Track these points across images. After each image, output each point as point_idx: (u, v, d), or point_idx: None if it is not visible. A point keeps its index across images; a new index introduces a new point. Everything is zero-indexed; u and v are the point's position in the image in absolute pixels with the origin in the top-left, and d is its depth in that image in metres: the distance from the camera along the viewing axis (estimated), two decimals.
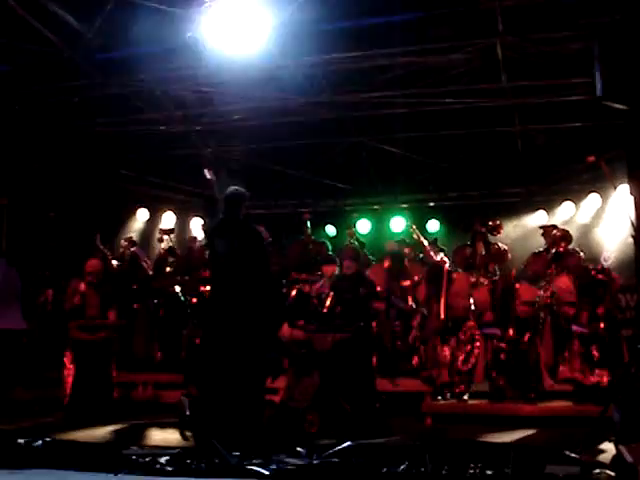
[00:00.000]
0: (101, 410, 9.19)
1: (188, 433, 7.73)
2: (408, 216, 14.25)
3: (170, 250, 12.54)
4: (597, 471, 5.42)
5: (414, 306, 10.60)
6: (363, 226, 14.62)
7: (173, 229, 13.30)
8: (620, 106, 6.83)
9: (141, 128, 12.59)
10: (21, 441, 6.54)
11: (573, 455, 5.90)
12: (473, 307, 9.91)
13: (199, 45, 8.41)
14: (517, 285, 9.79)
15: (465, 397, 9.32)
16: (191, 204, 15.21)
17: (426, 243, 11.14)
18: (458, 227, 13.39)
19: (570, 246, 10.39)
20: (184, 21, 9.14)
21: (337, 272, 9.43)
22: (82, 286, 9.84)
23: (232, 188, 7.78)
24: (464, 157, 13.19)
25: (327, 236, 14.32)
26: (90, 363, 9.48)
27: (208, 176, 8.04)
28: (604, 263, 9.80)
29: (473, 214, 12.91)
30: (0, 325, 9.91)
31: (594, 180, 12.51)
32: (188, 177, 14.44)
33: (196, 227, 15.13)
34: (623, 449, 5.73)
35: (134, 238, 13.09)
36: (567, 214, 13.34)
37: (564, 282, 9.52)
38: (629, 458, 5.46)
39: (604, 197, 12.70)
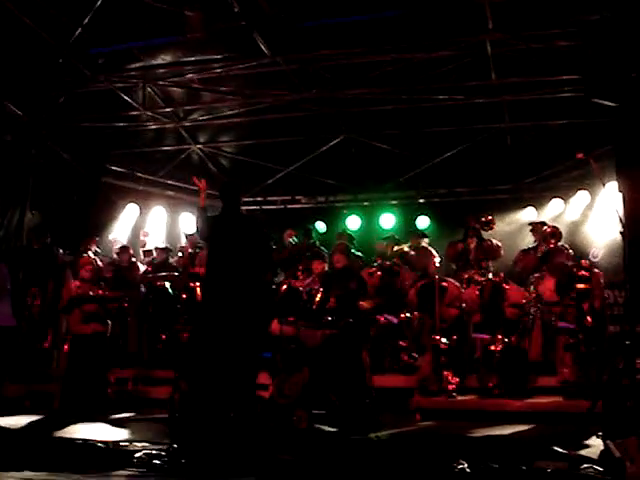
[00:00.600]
0: (94, 405, 9.19)
1: (177, 429, 7.73)
2: (398, 212, 14.27)
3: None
4: (585, 466, 5.44)
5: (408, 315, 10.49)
6: (353, 222, 14.62)
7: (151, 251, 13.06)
8: (608, 103, 6.85)
9: (130, 123, 12.57)
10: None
11: (561, 450, 5.93)
12: (464, 304, 9.95)
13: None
14: (506, 286, 9.81)
15: (454, 393, 9.33)
16: (181, 200, 15.17)
17: (407, 249, 11.19)
18: (448, 223, 13.41)
19: (559, 243, 10.43)
20: (173, 16, 9.18)
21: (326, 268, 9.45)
22: (77, 283, 9.85)
23: (227, 181, 7.78)
24: (453, 153, 13.21)
25: (317, 232, 14.32)
26: (85, 358, 9.48)
27: (198, 184, 8.00)
28: (593, 260, 9.84)
29: (462, 210, 12.94)
30: None
31: (583, 177, 12.54)
32: (178, 173, 14.43)
33: (185, 223, 15.13)
34: (611, 444, 5.77)
35: (122, 240, 13.03)
36: (556, 211, 13.36)
37: (547, 285, 9.56)
38: (617, 453, 5.49)
39: (593, 194, 12.73)
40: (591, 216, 12.51)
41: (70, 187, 12.70)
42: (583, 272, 9.13)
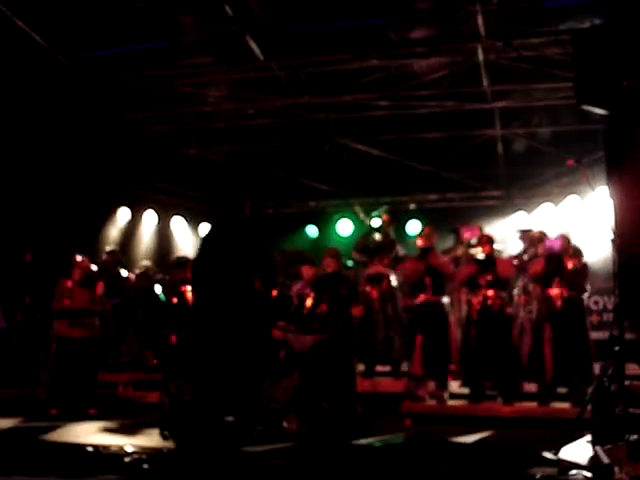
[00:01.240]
0: (84, 409, 9.17)
1: (167, 433, 7.72)
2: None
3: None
4: (574, 472, 5.46)
5: None
6: (344, 227, 14.64)
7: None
8: (599, 110, 6.88)
9: (122, 127, 12.56)
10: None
11: (550, 456, 5.95)
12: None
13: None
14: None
15: (444, 398, 9.35)
16: (173, 204, 15.17)
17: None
18: (439, 229, 13.42)
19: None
20: (166, 20, 9.19)
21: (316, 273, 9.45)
22: (69, 284, 9.81)
23: (231, 189, 7.76)
24: (445, 159, 13.26)
25: (308, 237, 14.35)
26: (75, 362, 9.45)
27: None
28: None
29: (454, 216, 12.98)
30: None
31: (573, 183, 12.61)
32: (170, 176, 14.42)
33: (176, 226, 15.13)
34: (600, 450, 5.79)
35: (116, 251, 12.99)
36: (546, 217, 13.40)
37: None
38: (605, 459, 5.51)
39: (583, 200, 12.79)
40: (581, 222, 12.55)
41: (62, 190, 12.67)
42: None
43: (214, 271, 7.50)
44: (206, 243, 7.78)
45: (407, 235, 13.40)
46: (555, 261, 9.08)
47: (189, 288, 9.42)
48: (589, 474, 5.35)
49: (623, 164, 6.53)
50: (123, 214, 14.45)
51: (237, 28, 9.64)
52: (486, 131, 12.58)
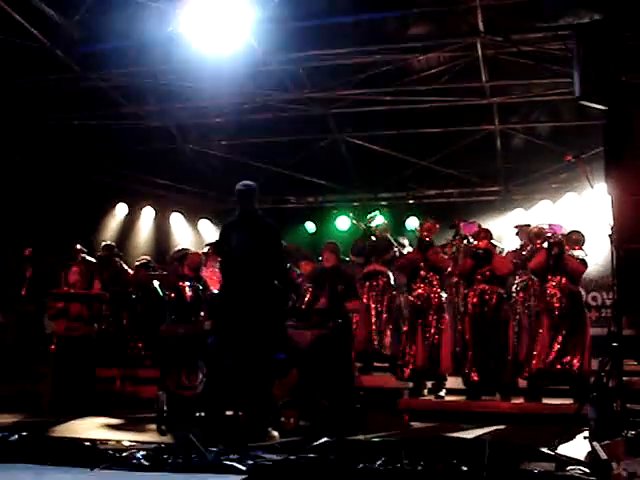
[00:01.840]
0: (82, 404, 9.16)
1: (165, 428, 7.72)
2: (387, 213, 14.27)
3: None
4: (572, 468, 5.45)
5: None
6: (342, 223, 14.63)
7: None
8: (598, 106, 6.88)
9: (120, 122, 12.54)
10: None
11: (548, 452, 5.94)
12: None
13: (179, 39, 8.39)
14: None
15: (442, 394, 9.35)
16: (170, 199, 15.16)
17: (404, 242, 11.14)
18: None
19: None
20: (165, 15, 9.15)
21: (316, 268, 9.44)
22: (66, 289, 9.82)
23: (243, 182, 7.69)
24: (444, 155, 13.24)
25: (306, 232, 14.34)
26: (72, 358, 9.46)
27: None
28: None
29: (452, 211, 12.98)
30: None
31: (572, 179, 12.60)
32: (167, 172, 14.40)
33: (175, 223, 15.12)
34: (597, 446, 5.79)
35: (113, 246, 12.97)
36: (544, 212, 13.40)
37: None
38: (603, 455, 5.51)
39: (581, 196, 12.78)
40: (579, 218, 12.54)
41: (60, 185, 12.65)
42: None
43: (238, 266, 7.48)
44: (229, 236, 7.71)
45: (406, 230, 13.37)
46: (555, 249, 9.03)
47: (187, 283, 9.42)
48: (587, 470, 5.34)
49: (622, 160, 6.53)
50: (121, 210, 14.43)
51: None
52: (485, 126, 12.57)
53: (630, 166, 6.49)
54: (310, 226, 14.77)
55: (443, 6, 9.38)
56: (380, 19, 9.74)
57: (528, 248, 10.04)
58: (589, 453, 5.88)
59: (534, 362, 8.83)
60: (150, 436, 7.42)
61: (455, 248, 10.91)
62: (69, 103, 11.66)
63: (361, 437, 7.28)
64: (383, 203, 14.66)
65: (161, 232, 15.02)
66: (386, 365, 10.38)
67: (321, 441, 6.28)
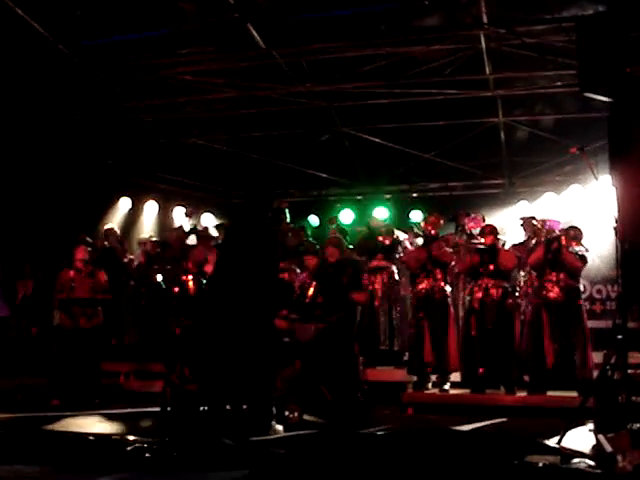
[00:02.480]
0: (87, 399, 9.18)
1: (169, 423, 7.73)
2: (391, 206, 14.26)
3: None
4: (576, 460, 5.45)
5: None
6: (346, 216, 14.61)
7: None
8: (602, 98, 6.85)
9: (124, 116, 12.53)
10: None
11: (553, 445, 5.94)
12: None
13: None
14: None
15: (446, 387, 9.35)
16: (174, 193, 15.15)
17: (403, 237, 11.12)
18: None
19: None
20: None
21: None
22: (71, 273, 9.82)
23: (256, 190, 7.72)
24: (447, 147, 13.21)
25: (310, 226, 14.30)
26: (77, 352, 9.47)
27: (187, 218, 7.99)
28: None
29: (456, 205, 12.95)
30: None
31: (576, 171, 12.58)
32: (171, 166, 14.39)
33: (178, 216, 15.09)
34: (602, 439, 5.78)
35: (115, 228, 12.97)
36: (549, 205, 13.37)
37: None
38: (608, 448, 5.50)
39: (586, 188, 12.75)
40: (584, 211, 12.51)
41: (64, 179, 12.65)
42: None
43: (232, 260, 7.48)
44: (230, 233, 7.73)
45: (410, 223, 13.35)
46: (555, 244, 9.03)
47: (190, 277, 9.42)
48: (592, 462, 5.34)
49: (626, 152, 6.50)
50: (124, 204, 14.42)
51: (238, 15, 9.58)
52: (488, 119, 12.53)
53: (634, 158, 6.46)
54: (314, 220, 14.75)
55: None
56: (382, 11, 9.70)
57: (533, 241, 10.01)
58: (594, 446, 5.88)
59: (537, 356, 8.85)
60: (154, 431, 7.43)
61: (456, 244, 10.88)
62: (71, 97, 11.65)
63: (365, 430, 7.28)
64: (386, 196, 14.64)
65: (164, 226, 14.99)
66: (390, 358, 10.38)
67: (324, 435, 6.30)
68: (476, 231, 10.59)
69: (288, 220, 12.42)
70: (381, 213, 13.79)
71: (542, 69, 10.61)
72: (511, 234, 11.45)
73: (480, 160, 13.73)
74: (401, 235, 11.05)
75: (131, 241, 13.84)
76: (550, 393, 8.85)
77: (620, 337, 6.28)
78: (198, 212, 14.69)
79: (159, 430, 7.50)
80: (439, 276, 9.57)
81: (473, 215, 11.31)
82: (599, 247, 10.11)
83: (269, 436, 6.90)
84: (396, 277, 10.59)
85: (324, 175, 14.65)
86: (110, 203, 14.21)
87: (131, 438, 6.59)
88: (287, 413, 7.74)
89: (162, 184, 14.86)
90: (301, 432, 7.12)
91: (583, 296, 9.40)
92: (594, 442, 6.05)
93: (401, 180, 14.49)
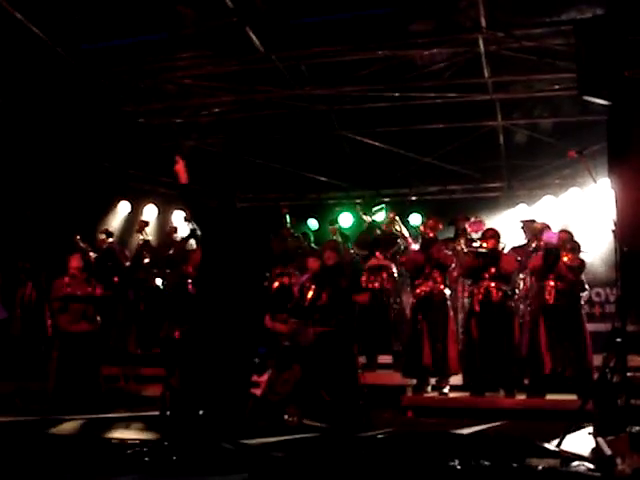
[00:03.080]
0: (87, 403, 9.17)
1: (168, 427, 7.71)
2: (390, 209, 14.25)
3: (145, 244, 12.45)
4: (576, 464, 5.45)
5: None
6: (345, 220, 14.61)
7: (147, 222, 13.11)
8: (601, 101, 6.86)
9: (122, 120, 12.53)
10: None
11: (552, 448, 5.94)
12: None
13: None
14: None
15: (446, 390, 9.35)
16: (173, 197, 15.13)
17: (407, 234, 11.12)
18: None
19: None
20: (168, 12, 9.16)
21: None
22: (66, 280, 9.81)
23: (221, 179, 7.69)
24: (446, 151, 13.22)
25: (309, 229, 14.29)
26: (77, 356, 9.46)
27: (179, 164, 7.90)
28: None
29: (455, 208, 12.95)
30: None
31: (575, 174, 12.59)
32: (170, 169, 14.35)
33: (177, 220, 15.07)
34: (602, 442, 5.78)
35: (113, 231, 12.97)
36: (548, 208, 13.38)
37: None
38: (608, 451, 5.50)
39: (584, 192, 12.75)
40: (583, 214, 12.52)
41: (62, 183, 12.65)
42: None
43: (217, 266, 7.45)
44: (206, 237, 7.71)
45: (410, 227, 13.36)
46: (553, 255, 9.07)
47: (190, 281, 9.42)
48: (591, 465, 5.34)
49: (625, 155, 6.50)
50: (123, 208, 14.41)
51: (237, 19, 9.60)
52: (487, 122, 12.53)
53: (633, 161, 6.46)
54: (312, 223, 14.75)
55: (445, 2, 9.37)
56: (381, 15, 9.71)
57: (533, 244, 10.03)
58: (593, 449, 5.88)
59: (536, 360, 8.86)
60: (154, 435, 7.42)
61: (461, 244, 10.89)
62: (69, 101, 11.64)
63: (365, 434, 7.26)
64: (385, 199, 14.63)
65: (163, 230, 14.98)
66: (390, 362, 10.38)
67: (323, 438, 6.29)
68: (477, 235, 10.60)
69: (289, 224, 12.46)
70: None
71: (541, 72, 10.62)
72: (510, 237, 11.45)
73: (479, 163, 13.73)
74: (404, 231, 11.08)
75: (129, 244, 13.84)
76: (549, 396, 8.87)
77: (619, 340, 6.28)
78: None
79: (158, 434, 7.49)
80: (438, 279, 9.58)
81: (474, 219, 11.30)
82: (598, 250, 10.11)
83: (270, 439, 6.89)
84: (395, 276, 10.60)
85: (323, 179, 14.65)
86: (109, 207, 14.20)
87: (130, 442, 6.59)
88: (287, 417, 7.73)
89: (161, 187, 14.85)
90: (300, 435, 7.11)
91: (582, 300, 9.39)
92: (593, 445, 6.04)
93: (400, 183, 14.49)
